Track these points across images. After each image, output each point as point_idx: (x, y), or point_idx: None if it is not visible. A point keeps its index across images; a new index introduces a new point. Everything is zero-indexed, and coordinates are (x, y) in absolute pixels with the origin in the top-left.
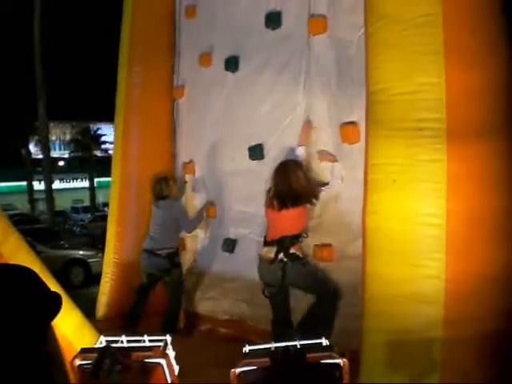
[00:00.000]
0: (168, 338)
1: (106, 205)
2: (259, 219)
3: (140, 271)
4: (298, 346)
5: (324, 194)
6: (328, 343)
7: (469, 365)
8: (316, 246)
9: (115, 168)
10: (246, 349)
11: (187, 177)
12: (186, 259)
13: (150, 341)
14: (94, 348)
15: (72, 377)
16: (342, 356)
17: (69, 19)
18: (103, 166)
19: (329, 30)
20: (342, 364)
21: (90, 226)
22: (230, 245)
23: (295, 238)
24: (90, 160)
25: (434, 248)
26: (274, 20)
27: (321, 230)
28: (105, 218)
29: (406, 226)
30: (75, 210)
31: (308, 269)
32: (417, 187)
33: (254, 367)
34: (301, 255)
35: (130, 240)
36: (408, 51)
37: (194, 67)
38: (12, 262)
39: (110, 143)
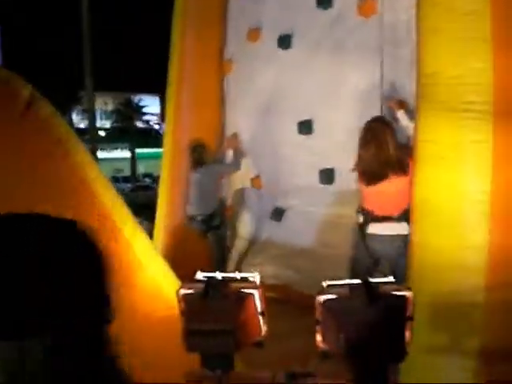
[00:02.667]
0: (257, 275)
1: (146, 175)
2: (306, 191)
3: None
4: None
5: None
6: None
7: (507, 329)
8: None
9: (167, 137)
10: (325, 284)
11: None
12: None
13: (241, 277)
14: (196, 280)
15: (178, 305)
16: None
17: None
18: (144, 136)
19: (379, 11)
20: (408, 296)
21: (130, 195)
22: (278, 214)
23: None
24: (131, 131)
25: (477, 222)
26: (325, 0)
27: None
28: (145, 188)
29: (452, 201)
30: (115, 179)
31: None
32: (463, 165)
33: (336, 296)
34: None
35: (179, 206)
36: (457, 37)
37: (242, 42)
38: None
39: (152, 114)
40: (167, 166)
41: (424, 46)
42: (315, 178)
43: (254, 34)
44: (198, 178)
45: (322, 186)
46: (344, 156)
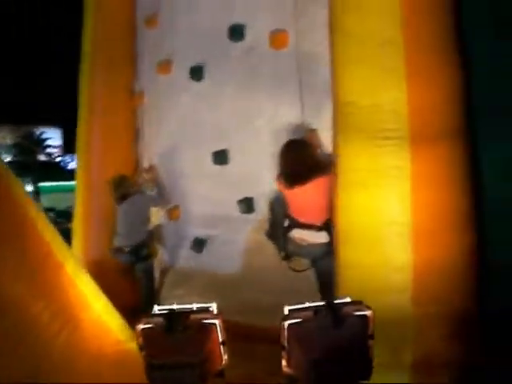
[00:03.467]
0: (214, 304)
1: (49, 209)
2: (226, 221)
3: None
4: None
5: None
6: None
7: (437, 341)
8: None
9: (80, 172)
10: (286, 309)
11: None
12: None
13: (198, 308)
14: (153, 314)
15: (136, 340)
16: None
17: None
18: (46, 170)
19: (291, 43)
20: (369, 315)
21: None
22: (199, 244)
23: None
24: (33, 164)
25: (400, 243)
26: (237, 33)
27: None
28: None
29: (375, 225)
30: None
31: None
32: (383, 191)
33: (300, 319)
34: None
35: (95, 241)
36: (373, 67)
37: (153, 74)
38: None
39: (55, 147)
40: (81, 201)
41: (340, 76)
42: (234, 207)
43: (165, 66)
44: (124, 209)
45: (242, 215)
46: (262, 184)
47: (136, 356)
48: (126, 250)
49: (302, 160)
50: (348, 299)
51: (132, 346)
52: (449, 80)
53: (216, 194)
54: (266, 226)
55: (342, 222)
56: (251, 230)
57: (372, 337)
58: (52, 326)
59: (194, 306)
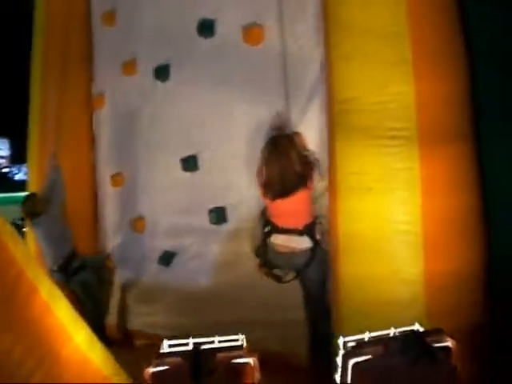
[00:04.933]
0: (241, 336)
1: None
2: (195, 232)
3: None
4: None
5: None
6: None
7: None
8: None
9: (31, 182)
10: (342, 341)
11: (114, 189)
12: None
13: (221, 341)
14: (166, 353)
15: None
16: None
17: None
18: None
19: (267, 39)
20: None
21: None
22: (167, 258)
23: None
24: None
25: (409, 253)
26: (206, 28)
27: None
28: None
29: (381, 233)
30: None
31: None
32: (391, 195)
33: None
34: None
35: None
36: (376, 61)
37: (115, 75)
38: None
39: (2, 158)
40: None
41: (339, 70)
42: (204, 217)
43: (130, 66)
44: (39, 229)
45: (213, 226)
46: (236, 192)
47: None
48: (55, 268)
49: (288, 169)
50: (419, 327)
51: (118, 381)
52: (457, 74)
53: (185, 203)
54: (254, 240)
55: (344, 230)
56: (224, 241)
57: (456, 369)
58: (25, 364)
59: (217, 340)
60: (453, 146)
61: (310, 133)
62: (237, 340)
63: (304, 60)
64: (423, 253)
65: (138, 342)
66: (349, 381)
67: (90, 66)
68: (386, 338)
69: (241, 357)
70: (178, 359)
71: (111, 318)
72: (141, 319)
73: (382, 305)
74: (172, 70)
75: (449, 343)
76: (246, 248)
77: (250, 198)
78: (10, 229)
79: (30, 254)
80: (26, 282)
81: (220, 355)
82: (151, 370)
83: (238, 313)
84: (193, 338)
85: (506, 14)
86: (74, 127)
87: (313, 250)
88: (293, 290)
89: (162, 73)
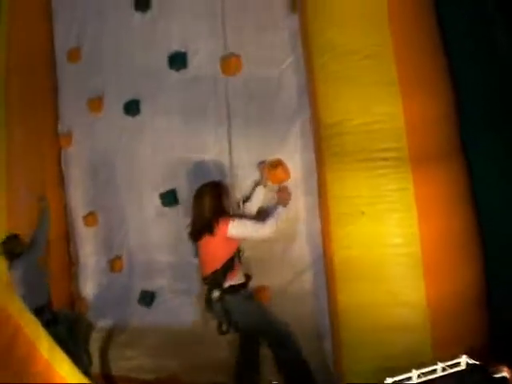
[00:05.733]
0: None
1: None
2: (176, 268)
3: None
4: None
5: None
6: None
7: None
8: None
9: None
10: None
11: (87, 229)
12: (91, 316)
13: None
14: None
15: None
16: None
17: None
18: None
19: (244, 68)
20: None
21: None
22: (147, 297)
23: (226, 268)
24: None
25: (409, 276)
26: (178, 61)
27: (255, 273)
28: None
29: (380, 257)
30: None
31: (252, 302)
32: (387, 217)
33: None
34: (239, 282)
35: None
36: (363, 82)
37: (81, 113)
38: None
39: None
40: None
41: (326, 93)
42: (186, 252)
43: (96, 103)
44: (17, 273)
45: (194, 259)
46: None
47: None
48: None
49: (198, 215)
50: (467, 359)
51: None
52: (445, 91)
53: (164, 238)
54: None
55: (339, 257)
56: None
57: None
58: None
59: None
60: (445, 163)
61: (293, 158)
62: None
63: (283, 86)
64: (424, 274)
65: None
66: None
67: (55, 104)
68: (442, 376)
69: None
70: None
71: (93, 367)
72: (125, 364)
73: (383, 331)
74: (142, 105)
75: (505, 373)
76: None
77: None
78: (4, 281)
79: (24, 307)
80: (24, 340)
81: None
82: None
83: (221, 354)
84: None
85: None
86: (42, 168)
87: (221, 297)
88: None
89: (131, 108)
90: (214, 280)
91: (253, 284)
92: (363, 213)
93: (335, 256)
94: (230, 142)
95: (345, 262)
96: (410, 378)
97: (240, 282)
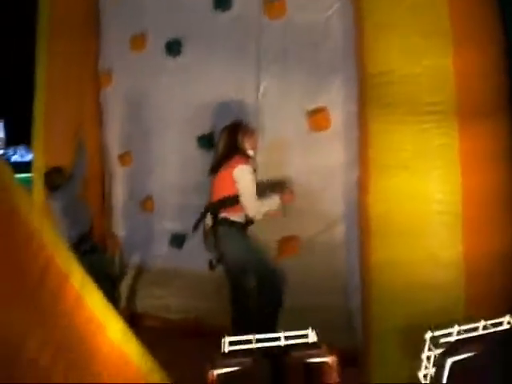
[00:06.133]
0: (312, 333)
1: None
2: None
3: None
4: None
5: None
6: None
7: None
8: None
9: (37, 160)
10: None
11: (123, 169)
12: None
13: (287, 337)
14: (232, 352)
15: None
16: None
17: None
18: None
19: (288, 12)
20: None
21: None
22: (178, 240)
23: (226, 201)
24: None
25: (448, 233)
26: (223, 1)
27: (285, 222)
28: None
29: (419, 213)
30: None
31: (243, 239)
32: (428, 173)
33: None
34: (236, 220)
35: None
36: (412, 31)
37: (123, 51)
38: None
39: None
40: (39, 192)
41: (371, 42)
42: None
43: (139, 41)
44: (57, 203)
45: None
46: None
47: None
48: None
49: (216, 154)
50: (311, 337)
51: (157, 378)
52: (497, 43)
53: (197, 182)
54: None
55: (375, 211)
56: None
57: None
58: (56, 367)
59: (283, 335)
60: (492, 118)
61: (334, 107)
62: (306, 336)
63: (329, 32)
64: (462, 232)
65: (146, 325)
66: (444, 381)
67: (96, 43)
68: (485, 334)
69: (318, 356)
70: (246, 359)
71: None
72: (153, 302)
73: (416, 289)
74: (184, 45)
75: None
76: (262, 230)
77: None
78: (39, 210)
79: (59, 236)
80: (56, 270)
81: (295, 354)
82: (216, 371)
83: None
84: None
85: None
86: (80, 105)
87: (212, 226)
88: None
89: (173, 48)
90: (210, 209)
91: (282, 233)
92: (406, 167)
93: (372, 209)
94: (269, 87)
95: (381, 216)
96: (449, 334)
97: (238, 219)
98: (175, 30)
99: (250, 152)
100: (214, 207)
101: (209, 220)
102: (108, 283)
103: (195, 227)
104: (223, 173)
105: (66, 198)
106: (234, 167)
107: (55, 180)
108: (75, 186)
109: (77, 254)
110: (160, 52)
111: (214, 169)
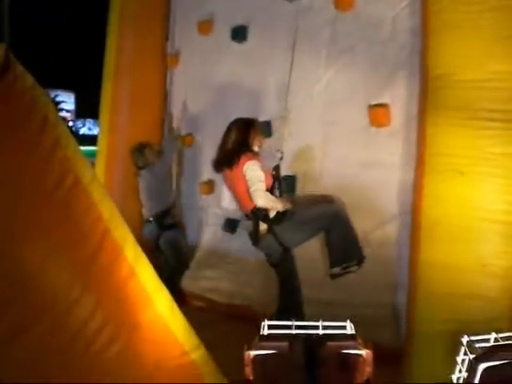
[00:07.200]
0: (350, 324)
1: None
2: None
3: None
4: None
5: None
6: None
7: None
8: None
9: (102, 138)
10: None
11: (186, 151)
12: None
13: (326, 327)
14: (270, 336)
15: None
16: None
17: None
18: None
19: (358, 5)
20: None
21: None
22: (231, 225)
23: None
24: None
25: (501, 245)
26: None
27: None
28: None
29: (472, 221)
30: None
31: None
32: (487, 181)
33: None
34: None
35: (119, 210)
36: (479, 35)
37: (191, 34)
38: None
39: (67, 111)
40: (103, 167)
41: (436, 43)
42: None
43: (206, 26)
44: (143, 178)
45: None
46: (316, 159)
47: (201, 372)
48: (150, 219)
49: (221, 149)
50: (349, 328)
51: (197, 357)
52: None
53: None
54: None
55: (428, 214)
56: None
57: None
58: (104, 332)
59: (321, 324)
60: None
61: (396, 104)
62: (344, 327)
63: (397, 28)
64: None
65: (193, 305)
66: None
67: (165, 25)
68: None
69: (353, 347)
70: (283, 343)
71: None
72: (202, 283)
73: (462, 296)
74: (250, 32)
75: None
76: None
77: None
78: (98, 183)
79: (116, 210)
80: (111, 243)
81: (331, 344)
82: (253, 352)
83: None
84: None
85: None
86: (147, 85)
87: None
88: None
89: (238, 33)
90: (257, 215)
91: None
92: (462, 173)
93: (425, 211)
94: (332, 79)
95: (434, 219)
96: (487, 340)
97: (285, 208)
98: (242, 16)
99: (256, 148)
100: (260, 213)
101: (263, 225)
102: (182, 258)
103: (255, 239)
104: (233, 174)
105: (154, 176)
106: (243, 167)
107: (137, 161)
108: (163, 166)
109: (159, 228)
110: (226, 37)
111: (220, 163)
